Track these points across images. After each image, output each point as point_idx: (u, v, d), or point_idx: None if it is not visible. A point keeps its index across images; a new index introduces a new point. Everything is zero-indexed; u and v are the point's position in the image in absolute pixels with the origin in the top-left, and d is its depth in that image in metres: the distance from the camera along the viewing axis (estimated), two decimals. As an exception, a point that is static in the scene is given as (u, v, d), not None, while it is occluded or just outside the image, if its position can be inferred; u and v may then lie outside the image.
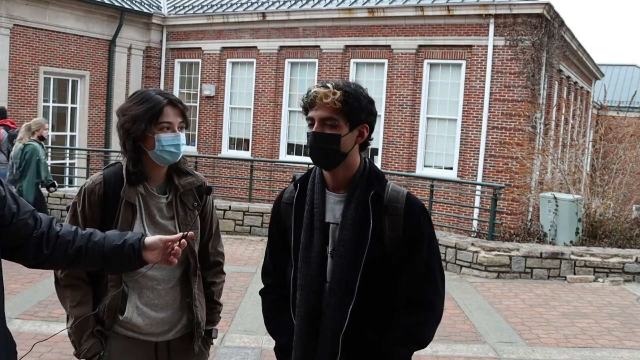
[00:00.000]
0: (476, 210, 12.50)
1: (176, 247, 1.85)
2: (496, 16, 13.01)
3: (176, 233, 2.10)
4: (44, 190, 7.74)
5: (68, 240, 1.76)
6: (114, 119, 16.21)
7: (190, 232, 1.92)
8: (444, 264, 7.85)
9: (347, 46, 15.08)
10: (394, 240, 1.96)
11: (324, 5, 15.47)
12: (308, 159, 2.13)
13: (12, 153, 7.29)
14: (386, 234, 1.96)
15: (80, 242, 1.78)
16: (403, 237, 1.95)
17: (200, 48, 17.37)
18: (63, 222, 1.88)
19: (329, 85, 1.93)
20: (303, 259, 2.02)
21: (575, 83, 18.69)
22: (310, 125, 1.96)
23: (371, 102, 2.00)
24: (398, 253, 1.97)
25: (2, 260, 1.68)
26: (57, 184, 8.04)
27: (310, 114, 1.96)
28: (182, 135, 2.15)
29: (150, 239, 1.85)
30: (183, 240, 1.87)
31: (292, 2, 16.25)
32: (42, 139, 7.24)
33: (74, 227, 1.83)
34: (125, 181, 2.13)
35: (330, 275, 1.98)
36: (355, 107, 1.93)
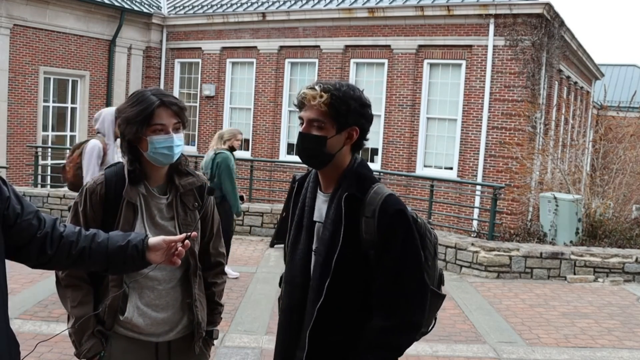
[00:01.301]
0: (476, 210, 12.50)
1: (180, 248, 1.86)
2: (496, 16, 13.01)
3: (176, 234, 2.11)
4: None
5: (72, 241, 1.77)
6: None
7: (193, 233, 1.92)
8: (443, 264, 7.98)
9: (347, 46, 15.09)
10: (370, 243, 1.94)
11: (324, 5, 15.48)
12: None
13: (202, 162, 6.87)
14: (362, 236, 1.95)
15: (84, 242, 1.78)
16: (377, 240, 1.93)
17: (200, 48, 17.38)
18: (66, 223, 1.88)
19: (316, 87, 1.94)
20: (290, 254, 2.09)
21: (575, 83, 18.70)
22: (301, 124, 2.00)
23: (363, 105, 1.98)
24: (373, 256, 1.95)
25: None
26: (245, 197, 7.56)
27: (300, 113, 2.00)
28: (177, 137, 2.12)
29: (153, 239, 1.85)
30: (187, 240, 1.87)
31: (292, 2, 16.25)
32: (232, 149, 6.87)
33: (78, 228, 1.83)
34: (127, 181, 2.13)
35: (312, 272, 2.02)
36: (342, 111, 1.93)
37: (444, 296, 2.13)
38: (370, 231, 1.93)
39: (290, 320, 2.06)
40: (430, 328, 2.15)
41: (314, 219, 2.06)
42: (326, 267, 1.95)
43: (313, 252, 2.03)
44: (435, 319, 2.16)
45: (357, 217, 1.95)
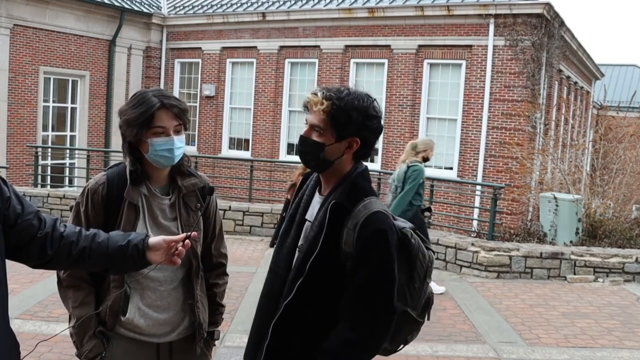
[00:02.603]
0: (476, 210, 12.50)
1: (180, 248, 1.86)
2: (496, 16, 13.01)
3: (179, 234, 2.10)
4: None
5: (72, 241, 1.77)
6: (114, 119, 16.23)
7: (194, 233, 1.92)
8: (443, 264, 7.98)
9: (347, 46, 15.09)
10: (347, 255, 1.92)
11: (324, 5, 15.48)
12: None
13: (394, 174, 6.64)
14: (342, 246, 1.93)
15: (84, 242, 1.78)
16: (354, 254, 1.90)
17: (200, 48, 17.38)
18: (67, 223, 1.88)
19: (319, 93, 1.93)
20: (278, 244, 2.13)
21: (575, 83, 18.69)
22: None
23: (368, 116, 1.93)
24: (348, 267, 1.93)
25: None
26: (432, 209, 7.13)
27: (307, 116, 2.00)
28: (178, 139, 2.10)
29: (154, 239, 1.85)
30: (187, 240, 1.87)
31: (292, 2, 16.25)
32: (425, 160, 6.58)
33: (78, 228, 1.83)
34: (128, 182, 2.13)
35: (292, 267, 2.04)
36: (342, 121, 1.91)
37: (422, 322, 2.10)
38: (349, 243, 1.91)
39: (267, 308, 2.08)
40: (399, 348, 2.13)
41: (306, 216, 2.07)
42: (302, 267, 1.96)
43: (297, 249, 2.05)
44: (407, 341, 2.13)
45: (341, 226, 1.93)
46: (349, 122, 1.91)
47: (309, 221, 2.05)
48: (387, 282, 1.90)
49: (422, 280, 2.03)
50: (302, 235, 2.06)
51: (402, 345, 2.13)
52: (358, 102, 1.92)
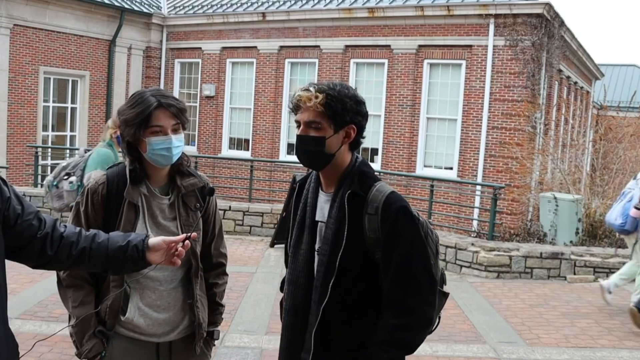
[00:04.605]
0: (476, 210, 12.49)
1: (179, 248, 1.87)
2: (496, 16, 13.01)
3: (178, 234, 2.11)
4: None
5: (72, 242, 1.77)
6: (114, 119, 16.17)
7: (193, 233, 1.93)
8: (443, 264, 7.97)
9: (347, 46, 15.09)
10: (373, 241, 1.95)
11: (324, 5, 15.48)
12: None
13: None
14: (366, 234, 1.95)
15: (84, 243, 1.79)
16: (382, 238, 1.94)
17: (200, 48, 17.38)
18: (67, 223, 1.89)
19: (311, 88, 1.96)
20: (292, 254, 2.09)
21: (575, 83, 18.69)
22: (298, 127, 2.01)
23: (358, 102, 1.99)
24: (380, 254, 1.96)
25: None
26: None
27: (297, 117, 2.00)
28: (176, 138, 2.10)
29: (153, 240, 1.86)
30: (186, 241, 1.88)
31: (292, 2, 16.25)
32: None
33: (78, 228, 1.84)
34: (128, 181, 2.13)
35: (316, 272, 2.02)
36: (338, 110, 1.94)
37: (447, 294, 2.14)
38: (374, 229, 1.94)
39: (295, 321, 2.06)
40: (434, 327, 2.15)
41: (316, 218, 2.06)
42: (330, 266, 1.96)
43: (316, 252, 2.04)
44: (439, 317, 2.15)
45: (360, 215, 1.95)
46: (344, 110, 1.95)
47: (322, 222, 2.03)
48: (424, 253, 1.97)
49: (435, 256, 2.08)
50: (317, 239, 2.04)
51: (437, 324, 2.14)
52: (347, 90, 1.98)
